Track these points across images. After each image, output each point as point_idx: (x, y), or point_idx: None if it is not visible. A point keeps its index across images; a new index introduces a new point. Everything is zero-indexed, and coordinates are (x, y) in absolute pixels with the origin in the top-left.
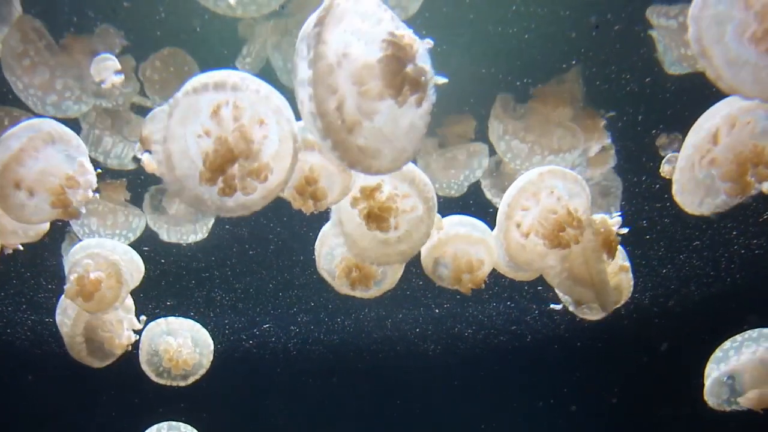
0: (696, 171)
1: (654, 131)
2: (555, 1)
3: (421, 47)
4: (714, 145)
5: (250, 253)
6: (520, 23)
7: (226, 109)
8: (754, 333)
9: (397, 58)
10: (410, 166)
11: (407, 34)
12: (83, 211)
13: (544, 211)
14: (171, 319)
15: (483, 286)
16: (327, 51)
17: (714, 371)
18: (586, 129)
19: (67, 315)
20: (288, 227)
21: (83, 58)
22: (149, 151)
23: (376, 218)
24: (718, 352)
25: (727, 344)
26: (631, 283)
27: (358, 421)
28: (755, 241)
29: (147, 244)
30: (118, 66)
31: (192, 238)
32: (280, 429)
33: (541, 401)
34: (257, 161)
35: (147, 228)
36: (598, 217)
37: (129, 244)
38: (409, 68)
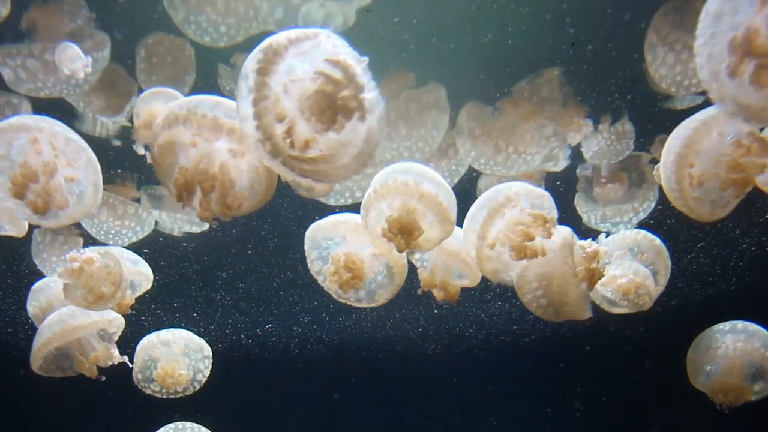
0: (690, 192)
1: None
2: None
3: (360, 66)
4: (690, 168)
5: (250, 252)
6: (505, 28)
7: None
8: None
9: (326, 93)
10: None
11: (343, 60)
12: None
13: (510, 224)
14: (164, 335)
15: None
16: (269, 95)
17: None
18: (565, 123)
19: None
20: (287, 226)
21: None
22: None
23: (408, 246)
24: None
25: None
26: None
27: (358, 420)
28: (764, 239)
29: (148, 247)
30: (81, 54)
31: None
32: (281, 429)
33: (542, 401)
34: (228, 190)
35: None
36: (585, 242)
37: (132, 245)
38: (342, 97)
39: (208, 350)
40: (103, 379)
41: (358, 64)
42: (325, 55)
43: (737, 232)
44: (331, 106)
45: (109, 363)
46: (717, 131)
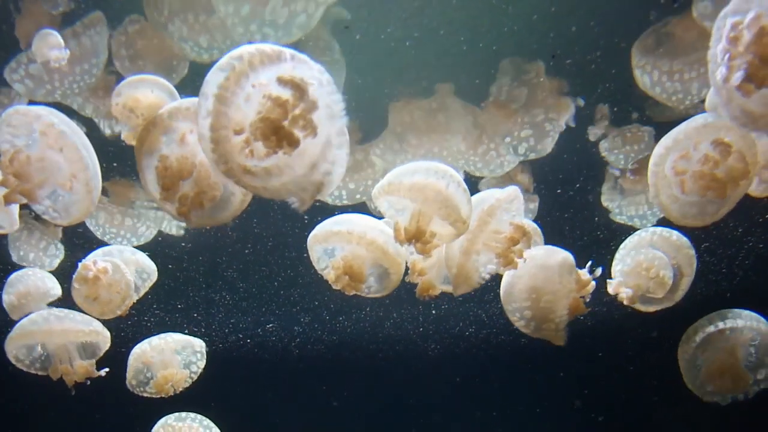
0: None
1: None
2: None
3: (315, 80)
4: (683, 175)
5: (247, 252)
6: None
7: (191, 136)
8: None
9: (269, 120)
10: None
11: (295, 77)
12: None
13: (491, 233)
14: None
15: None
16: (227, 124)
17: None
18: (553, 107)
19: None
20: (281, 225)
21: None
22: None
23: (425, 251)
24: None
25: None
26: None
27: (358, 420)
28: None
29: (148, 249)
30: (61, 41)
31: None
32: (281, 429)
33: (542, 400)
34: (208, 185)
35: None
36: (584, 272)
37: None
38: (288, 120)
39: (199, 345)
40: (73, 393)
41: (313, 79)
42: (281, 73)
43: (739, 230)
44: (274, 133)
45: (86, 379)
46: (695, 141)
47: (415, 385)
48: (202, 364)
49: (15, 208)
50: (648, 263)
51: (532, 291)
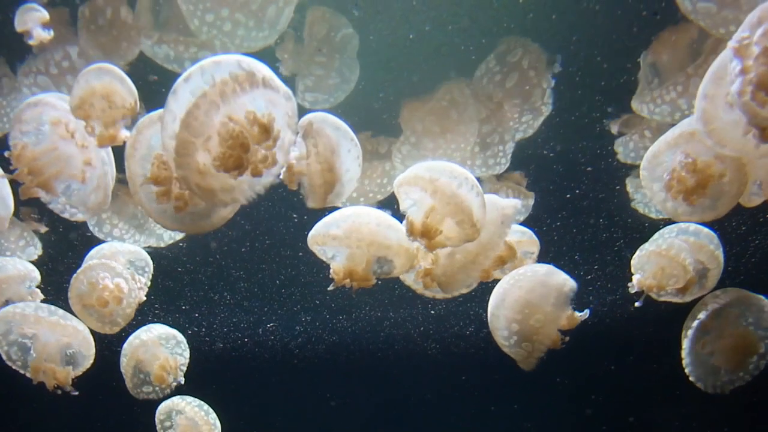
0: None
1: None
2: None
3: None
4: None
5: (249, 251)
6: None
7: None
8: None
9: (233, 157)
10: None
11: (262, 118)
12: None
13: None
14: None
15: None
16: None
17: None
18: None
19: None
20: (275, 224)
21: None
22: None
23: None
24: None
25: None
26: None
27: (358, 420)
28: None
29: (149, 250)
30: (47, 17)
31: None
32: (281, 429)
33: (543, 400)
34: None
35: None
36: (577, 313)
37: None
38: (251, 152)
39: (180, 336)
40: (59, 392)
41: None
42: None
43: (743, 228)
44: (238, 166)
45: (66, 386)
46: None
47: (415, 385)
48: (186, 353)
49: (9, 195)
50: (667, 247)
51: (526, 305)
